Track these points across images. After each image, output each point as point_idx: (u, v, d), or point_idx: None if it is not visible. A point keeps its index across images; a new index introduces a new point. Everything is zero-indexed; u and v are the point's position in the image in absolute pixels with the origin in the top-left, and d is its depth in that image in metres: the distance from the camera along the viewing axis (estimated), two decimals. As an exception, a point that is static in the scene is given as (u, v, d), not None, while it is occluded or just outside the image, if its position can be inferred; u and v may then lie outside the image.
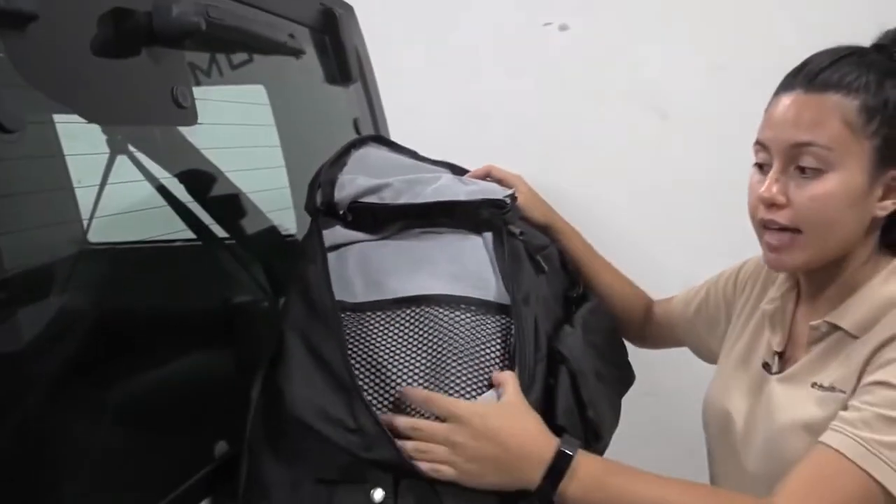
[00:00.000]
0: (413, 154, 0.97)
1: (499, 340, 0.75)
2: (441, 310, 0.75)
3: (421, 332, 0.75)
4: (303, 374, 0.74)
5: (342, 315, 0.77)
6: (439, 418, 0.71)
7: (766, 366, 0.87)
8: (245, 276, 1.01)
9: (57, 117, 0.72)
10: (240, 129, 1.07)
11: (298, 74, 1.10)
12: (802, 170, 0.76)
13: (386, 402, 0.73)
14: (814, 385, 0.78)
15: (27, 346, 0.60)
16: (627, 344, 1.01)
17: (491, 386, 0.73)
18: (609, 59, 1.55)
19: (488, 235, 0.81)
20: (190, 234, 0.91)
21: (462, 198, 0.82)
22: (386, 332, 0.76)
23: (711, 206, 1.52)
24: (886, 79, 0.76)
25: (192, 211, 0.90)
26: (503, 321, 0.76)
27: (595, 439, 0.79)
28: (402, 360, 0.74)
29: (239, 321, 0.96)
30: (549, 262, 0.88)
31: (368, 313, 0.77)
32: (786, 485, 0.70)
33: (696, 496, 0.72)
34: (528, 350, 0.74)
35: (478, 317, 0.75)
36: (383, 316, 0.76)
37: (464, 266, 0.78)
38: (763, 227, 0.81)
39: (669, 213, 1.57)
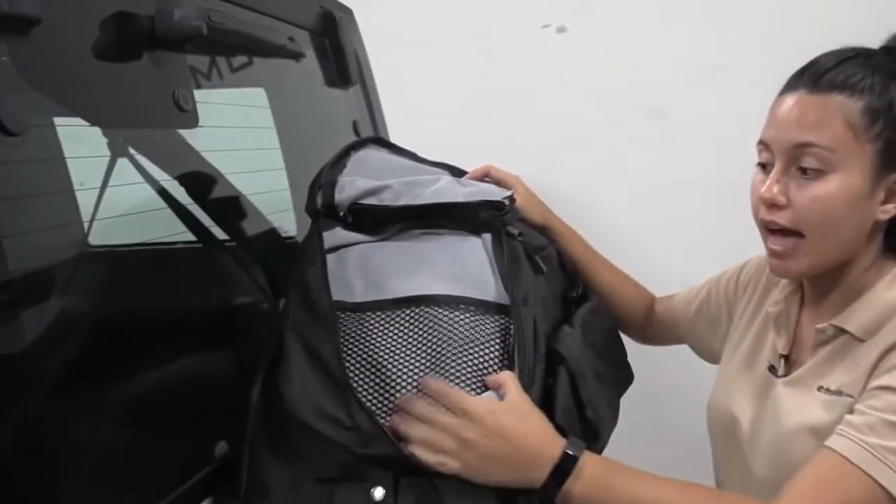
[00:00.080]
0: (412, 156, 0.97)
1: (498, 340, 0.76)
2: (440, 310, 0.76)
3: (420, 332, 0.75)
4: (301, 374, 0.75)
5: (342, 315, 0.77)
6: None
7: (772, 369, 0.86)
8: (245, 278, 1.01)
9: (58, 120, 0.72)
10: (240, 132, 1.08)
11: (298, 77, 1.11)
12: (804, 170, 0.76)
13: (385, 402, 0.73)
14: (820, 388, 0.78)
15: (28, 347, 0.60)
16: (627, 343, 1.01)
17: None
18: (608, 61, 1.56)
19: (487, 237, 0.81)
20: (190, 237, 0.91)
21: (461, 199, 0.83)
22: (386, 332, 0.76)
23: (710, 206, 1.52)
24: (892, 81, 0.76)
25: (192, 213, 0.91)
26: (502, 321, 0.76)
27: (594, 439, 0.79)
28: (401, 360, 0.74)
29: (239, 323, 0.97)
30: (548, 262, 0.88)
31: (368, 313, 0.77)
32: (790, 488, 0.70)
33: (700, 498, 0.72)
34: (528, 350, 0.75)
35: (477, 317, 0.76)
36: (383, 316, 0.77)
37: (463, 267, 0.79)
38: (765, 228, 0.80)
39: (669, 213, 1.57)
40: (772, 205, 0.78)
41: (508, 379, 0.72)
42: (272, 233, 1.08)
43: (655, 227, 1.58)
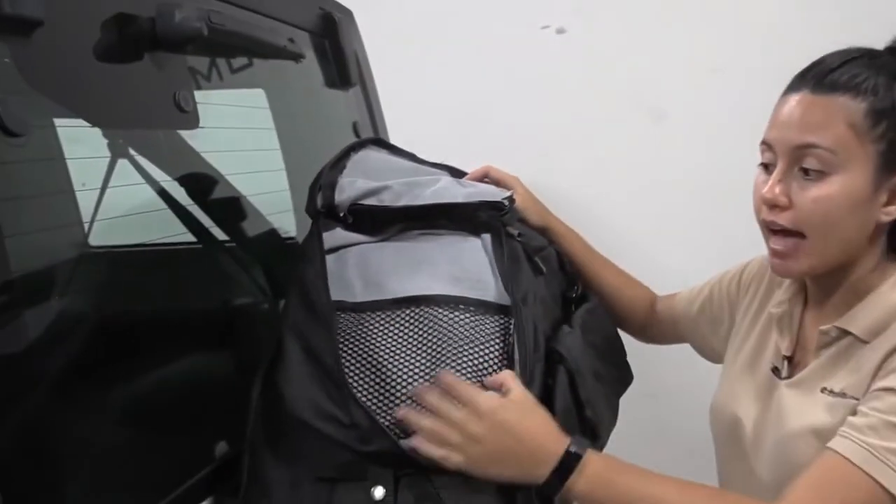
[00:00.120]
0: (412, 157, 0.97)
1: (498, 340, 0.76)
2: (440, 310, 0.76)
3: (420, 332, 0.75)
4: (300, 373, 0.75)
5: (342, 315, 0.78)
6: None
7: (776, 370, 0.86)
8: (245, 279, 1.01)
9: (59, 121, 0.72)
10: (240, 133, 1.08)
11: (298, 78, 1.11)
12: (806, 171, 0.75)
13: (385, 401, 0.74)
14: (823, 390, 0.78)
15: (29, 348, 0.60)
16: (627, 344, 1.01)
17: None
18: (607, 62, 1.56)
19: (487, 237, 0.82)
20: (190, 238, 0.92)
21: (460, 200, 0.83)
22: (385, 331, 0.76)
23: (709, 207, 1.53)
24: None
25: (192, 214, 0.91)
26: (502, 321, 0.77)
27: (593, 439, 0.80)
28: (401, 360, 0.74)
29: (239, 323, 0.97)
30: (548, 263, 0.89)
31: (368, 313, 0.77)
32: (792, 490, 0.70)
33: (702, 497, 0.72)
34: (528, 349, 0.75)
35: (477, 317, 0.76)
36: (383, 316, 0.77)
37: (463, 267, 0.79)
38: (767, 228, 0.80)
39: (667, 213, 1.57)
40: (773, 205, 0.78)
41: (509, 377, 0.73)
42: (272, 233, 1.08)
43: (654, 228, 1.58)
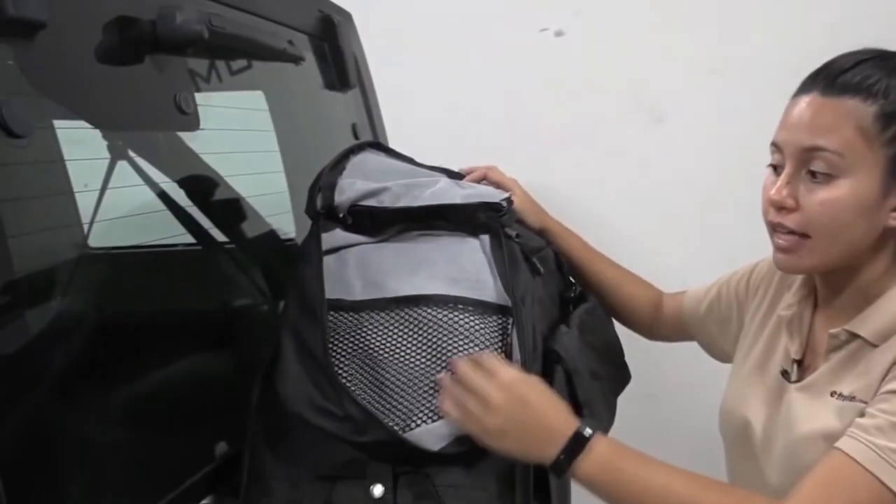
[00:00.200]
0: (410, 161, 0.98)
1: (496, 340, 0.77)
2: (438, 309, 0.77)
3: (418, 331, 0.76)
4: (294, 370, 0.76)
5: (341, 314, 0.78)
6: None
7: (785, 374, 0.85)
8: (244, 280, 1.02)
9: (60, 123, 0.73)
10: (239, 135, 1.08)
11: (297, 80, 1.12)
12: (814, 174, 0.75)
13: (381, 399, 0.74)
14: (833, 394, 0.78)
15: (28, 348, 0.60)
16: (627, 343, 1.01)
17: None
18: (605, 64, 1.57)
19: (485, 238, 0.82)
20: (190, 239, 0.92)
21: (459, 201, 0.83)
22: (383, 330, 0.77)
23: (709, 208, 1.53)
24: None
25: (191, 216, 0.91)
26: (500, 321, 0.77)
27: (591, 438, 0.80)
28: (398, 358, 0.75)
29: (238, 324, 0.97)
30: (545, 263, 0.89)
31: (366, 312, 0.78)
32: (799, 489, 0.70)
33: (709, 490, 0.71)
34: (528, 349, 0.76)
35: (475, 317, 0.77)
36: (381, 314, 0.78)
37: (461, 268, 0.80)
38: (773, 228, 0.80)
39: (667, 214, 1.57)
40: (780, 207, 0.77)
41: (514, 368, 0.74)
42: (271, 235, 1.08)
43: (654, 228, 1.58)
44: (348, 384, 0.75)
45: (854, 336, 0.78)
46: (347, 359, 0.77)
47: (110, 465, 0.68)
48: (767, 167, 0.81)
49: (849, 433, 0.71)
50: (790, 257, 0.79)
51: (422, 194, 0.83)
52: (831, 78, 0.75)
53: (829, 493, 0.69)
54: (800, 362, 0.85)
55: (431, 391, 0.75)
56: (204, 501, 0.77)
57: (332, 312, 0.79)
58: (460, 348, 0.75)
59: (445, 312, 0.76)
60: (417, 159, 0.98)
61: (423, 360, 0.75)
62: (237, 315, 0.98)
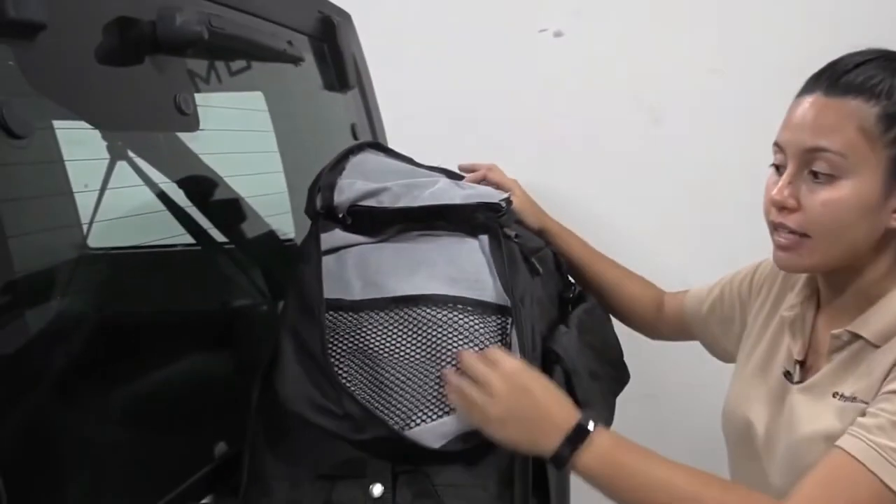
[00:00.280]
0: (409, 161, 0.98)
1: (495, 340, 0.77)
2: (438, 309, 0.77)
3: (418, 331, 0.76)
4: (293, 369, 0.77)
5: (340, 313, 0.79)
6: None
7: (787, 374, 0.85)
8: (244, 280, 1.02)
9: (59, 123, 0.73)
10: (238, 135, 1.08)
11: (297, 81, 1.12)
12: (816, 174, 0.75)
13: (379, 398, 0.75)
14: (835, 395, 0.78)
15: (28, 348, 0.60)
16: (626, 344, 1.01)
17: None
18: (604, 65, 1.57)
19: (484, 238, 0.82)
20: (189, 239, 0.92)
21: (458, 201, 0.83)
22: (382, 329, 0.77)
23: (708, 208, 1.54)
24: None
25: (190, 216, 0.91)
26: (499, 321, 0.77)
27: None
28: (398, 358, 0.75)
29: (238, 324, 0.97)
30: (544, 264, 0.89)
31: (365, 312, 0.78)
32: (800, 488, 0.70)
33: (711, 486, 0.71)
34: (527, 349, 0.76)
35: (474, 317, 0.77)
36: (380, 314, 0.78)
37: (461, 268, 0.80)
38: (774, 228, 0.80)
39: (667, 214, 1.58)
40: (782, 207, 0.77)
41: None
42: (270, 235, 1.08)
43: (653, 229, 1.59)
44: (348, 383, 0.75)
45: (856, 337, 0.78)
46: (347, 358, 0.77)
47: (110, 465, 0.68)
48: (770, 167, 0.81)
49: (850, 431, 0.71)
50: (790, 256, 0.79)
51: (421, 194, 0.83)
52: (835, 78, 0.75)
53: (830, 492, 0.69)
54: (802, 363, 0.85)
55: (431, 390, 0.75)
56: (204, 501, 0.78)
57: (331, 312, 0.79)
58: (459, 348, 0.75)
59: (445, 312, 0.77)
60: (417, 159, 0.98)
61: (423, 359, 0.75)
62: (236, 315, 0.99)
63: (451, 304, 0.77)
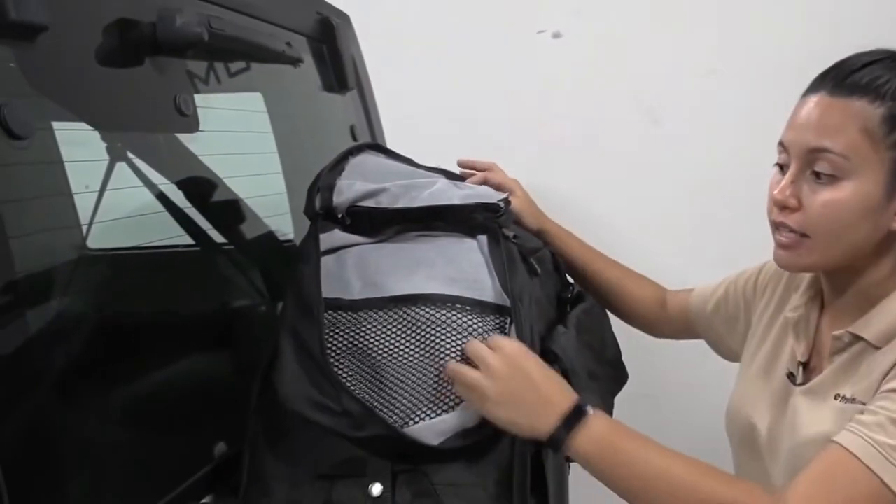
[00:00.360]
0: (409, 161, 0.98)
1: None
2: (437, 309, 0.77)
3: (417, 330, 0.77)
4: (292, 368, 0.77)
5: (339, 313, 0.79)
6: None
7: (791, 376, 0.85)
8: (243, 281, 1.02)
9: (59, 124, 0.73)
10: (237, 136, 1.09)
11: (296, 82, 1.12)
12: (818, 175, 0.75)
13: (378, 397, 0.75)
14: (836, 397, 0.78)
15: (27, 349, 0.61)
16: (625, 344, 1.02)
17: None
18: (603, 66, 1.57)
19: (483, 238, 0.82)
20: (188, 240, 0.92)
21: (456, 202, 0.84)
22: (381, 328, 0.77)
23: (708, 208, 1.54)
24: None
25: (189, 217, 0.91)
26: (498, 320, 0.78)
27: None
28: (397, 357, 0.76)
29: (237, 325, 0.98)
30: (543, 264, 0.90)
31: (364, 311, 0.78)
32: (797, 482, 0.69)
33: (708, 476, 0.70)
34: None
35: (473, 316, 0.77)
36: (379, 313, 0.78)
37: (459, 268, 0.80)
38: (775, 227, 0.80)
39: (666, 214, 1.58)
40: (783, 206, 0.77)
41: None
42: (269, 236, 1.08)
43: (653, 229, 1.59)
44: (347, 382, 0.75)
45: (857, 338, 0.78)
46: (346, 357, 0.77)
47: (111, 465, 0.68)
48: (774, 166, 0.81)
49: (848, 428, 0.70)
50: (790, 254, 0.79)
51: (420, 195, 0.84)
52: (840, 78, 0.75)
53: (828, 488, 0.68)
54: (805, 365, 0.85)
55: (429, 388, 0.75)
56: (204, 501, 0.78)
57: (330, 311, 0.79)
58: (458, 347, 0.76)
59: (443, 311, 0.77)
60: (416, 160, 0.98)
61: (422, 358, 0.76)
62: (236, 316, 0.99)
63: (449, 304, 0.77)
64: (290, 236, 1.10)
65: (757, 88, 1.43)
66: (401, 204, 0.84)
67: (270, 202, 1.09)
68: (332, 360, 0.77)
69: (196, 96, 0.84)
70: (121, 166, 0.87)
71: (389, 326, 0.77)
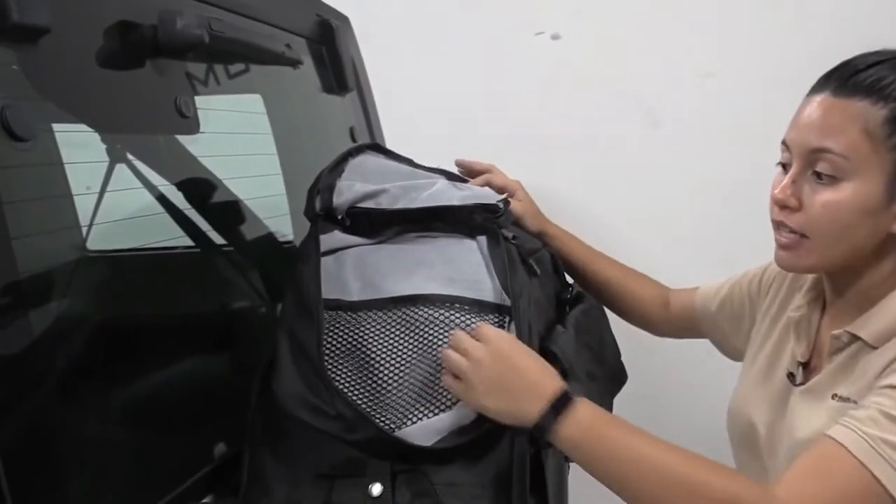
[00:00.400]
0: (409, 162, 0.98)
1: None
2: (436, 309, 0.77)
3: (416, 330, 0.77)
4: (289, 369, 0.77)
5: (338, 313, 0.79)
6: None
7: (791, 376, 0.85)
8: (242, 282, 1.02)
9: (60, 126, 0.73)
10: (237, 138, 1.09)
11: (295, 84, 1.12)
12: (819, 175, 0.75)
13: (376, 398, 0.75)
14: (834, 396, 0.78)
15: (27, 350, 0.61)
16: (624, 344, 1.02)
17: None
18: (602, 67, 1.58)
19: (482, 239, 0.83)
20: (188, 241, 0.93)
21: (456, 203, 0.84)
22: (380, 329, 0.78)
23: (708, 208, 1.54)
24: None
25: (189, 218, 0.92)
26: (497, 320, 0.78)
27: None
28: (396, 358, 0.76)
29: (236, 326, 0.98)
30: (542, 265, 0.90)
31: (363, 312, 0.79)
32: (788, 474, 0.69)
33: (696, 465, 0.69)
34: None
35: (472, 316, 0.77)
36: (378, 314, 0.78)
37: (459, 268, 0.80)
38: (776, 226, 0.80)
39: (666, 215, 1.58)
40: (784, 206, 0.77)
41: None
42: (269, 237, 1.09)
43: (653, 230, 1.59)
44: (344, 383, 0.76)
45: (855, 338, 0.78)
46: (344, 358, 0.78)
47: (111, 465, 0.69)
48: (777, 165, 0.81)
49: (841, 422, 0.70)
50: (789, 255, 0.79)
51: (419, 196, 0.84)
52: (844, 78, 0.74)
53: (819, 481, 0.68)
54: (806, 365, 0.85)
55: (428, 388, 0.75)
56: (204, 501, 0.78)
57: (329, 312, 0.79)
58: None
59: (442, 311, 0.77)
60: (416, 160, 0.98)
61: (420, 357, 0.76)
62: (236, 317, 0.99)
63: (448, 304, 0.77)
64: (290, 237, 1.11)
65: (757, 89, 1.43)
66: (400, 205, 0.84)
67: (270, 203, 1.09)
68: (329, 361, 0.77)
69: (196, 98, 0.84)
70: (121, 168, 0.87)
71: (388, 327, 0.78)
